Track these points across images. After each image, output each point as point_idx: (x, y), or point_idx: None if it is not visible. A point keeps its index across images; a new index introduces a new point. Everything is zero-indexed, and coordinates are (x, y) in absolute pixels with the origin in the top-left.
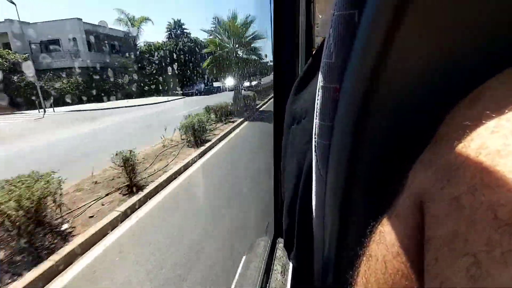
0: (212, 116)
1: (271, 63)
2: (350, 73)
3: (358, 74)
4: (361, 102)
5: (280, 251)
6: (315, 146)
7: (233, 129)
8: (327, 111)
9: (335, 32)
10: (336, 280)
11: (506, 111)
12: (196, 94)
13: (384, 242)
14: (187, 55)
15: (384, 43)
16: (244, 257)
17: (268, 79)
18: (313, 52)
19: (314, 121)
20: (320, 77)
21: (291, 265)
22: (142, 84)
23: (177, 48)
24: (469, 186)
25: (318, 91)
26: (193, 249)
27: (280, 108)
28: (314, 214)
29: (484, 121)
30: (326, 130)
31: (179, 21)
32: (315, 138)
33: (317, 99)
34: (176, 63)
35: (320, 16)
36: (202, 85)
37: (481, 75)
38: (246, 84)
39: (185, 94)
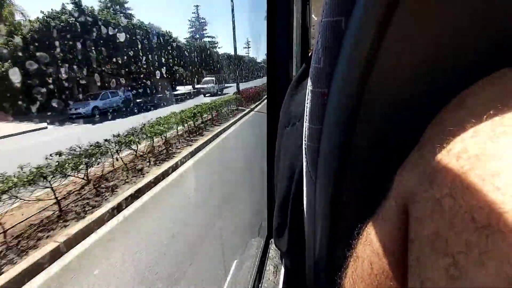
0: None
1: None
2: (337, 79)
3: (345, 79)
4: (348, 106)
5: (272, 252)
6: (305, 149)
7: None
8: (316, 115)
9: (323, 38)
10: (327, 281)
11: (485, 116)
12: (87, 116)
13: (370, 243)
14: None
15: (370, 49)
16: (237, 258)
17: None
18: (309, 54)
19: (304, 124)
20: (309, 82)
21: (283, 265)
22: None
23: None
24: (450, 189)
25: (308, 95)
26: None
27: (273, 110)
28: (305, 215)
29: (465, 126)
30: (315, 133)
31: None
32: (305, 140)
33: (307, 103)
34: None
35: (316, 18)
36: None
37: (471, 78)
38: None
39: (71, 118)
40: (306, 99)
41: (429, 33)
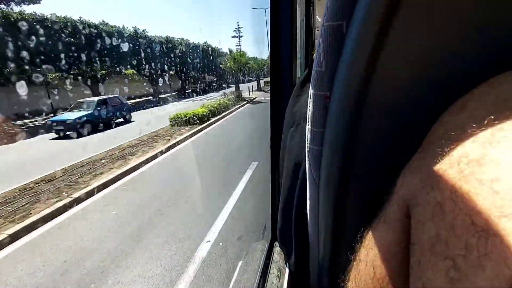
0: None
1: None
2: (339, 82)
3: (347, 82)
4: (350, 109)
5: (276, 255)
6: (308, 152)
7: None
8: (318, 118)
9: (325, 42)
10: (331, 284)
11: (486, 121)
12: None
13: (373, 247)
14: None
15: (371, 52)
16: (241, 261)
17: None
18: (314, 56)
19: (307, 126)
20: (311, 85)
21: (287, 269)
22: None
23: None
24: (451, 192)
25: (310, 98)
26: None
27: (276, 111)
28: (308, 218)
29: (466, 130)
30: (317, 136)
31: None
32: (307, 143)
33: (309, 106)
34: None
35: (320, 20)
36: None
37: (472, 79)
38: None
39: None
40: (309, 102)
41: (430, 36)
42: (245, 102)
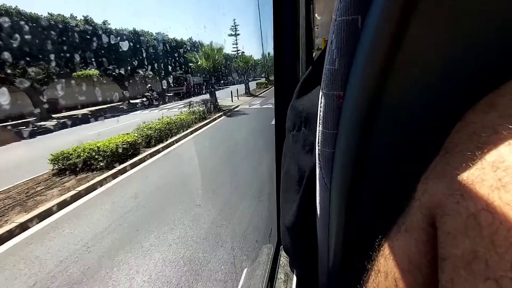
0: None
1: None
2: (354, 80)
3: (362, 81)
4: (365, 110)
5: (283, 259)
6: (318, 154)
7: None
8: (330, 119)
9: (338, 38)
10: None
11: None
12: None
13: (394, 257)
14: None
15: (389, 49)
16: (247, 266)
17: None
18: (313, 54)
19: (317, 128)
20: (322, 84)
21: (295, 273)
22: None
23: None
24: (487, 203)
25: (321, 98)
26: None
27: (281, 112)
28: (318, 223)
29: (499, 132)
30: (330, 138)
31: None
32: (318, 146)
33: (320, 106)
34: None
35: (319, 18)
36: None
37: (493, 78)
38: None
39: None
40: (319, 102)
41: (451, 32)
42: (220, 113)
